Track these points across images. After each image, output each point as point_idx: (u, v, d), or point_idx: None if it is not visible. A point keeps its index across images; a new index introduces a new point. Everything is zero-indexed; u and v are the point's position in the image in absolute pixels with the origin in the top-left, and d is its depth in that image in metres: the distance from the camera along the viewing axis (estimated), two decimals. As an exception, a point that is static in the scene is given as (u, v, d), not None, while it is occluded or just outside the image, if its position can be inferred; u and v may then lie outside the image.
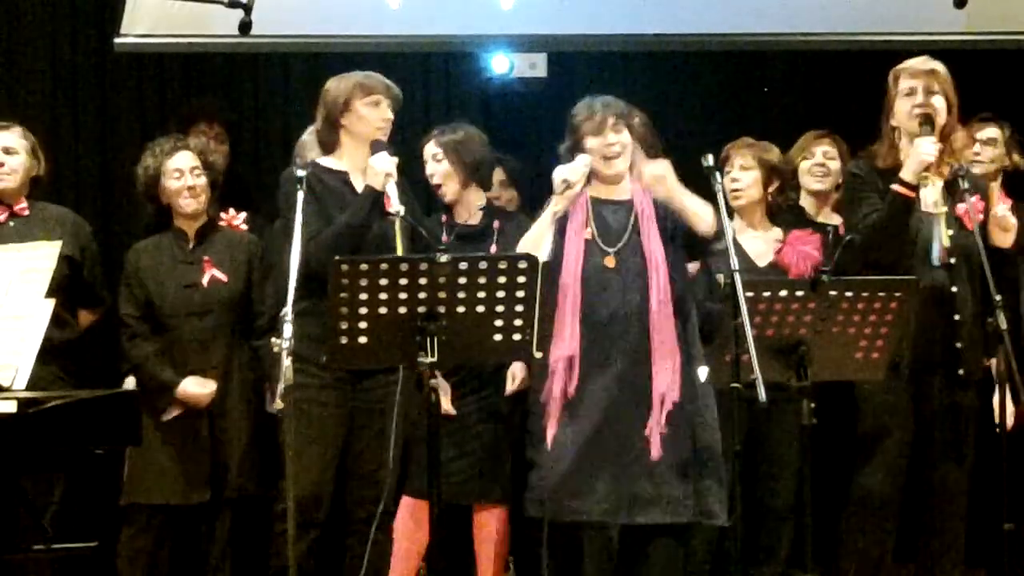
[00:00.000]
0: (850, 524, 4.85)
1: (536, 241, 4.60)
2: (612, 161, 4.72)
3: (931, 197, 4.66)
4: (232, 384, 5.11)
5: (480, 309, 4.09)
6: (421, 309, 4.05)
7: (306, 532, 4.60)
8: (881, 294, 4.29)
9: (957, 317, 4.73)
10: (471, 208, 5.22)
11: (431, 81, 6.79)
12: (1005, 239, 4.75)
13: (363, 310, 4.04)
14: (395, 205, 4.52)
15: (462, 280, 4.06)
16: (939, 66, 4.77)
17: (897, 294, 4.31)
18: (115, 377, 5.24)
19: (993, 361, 4.70)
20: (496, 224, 5.18)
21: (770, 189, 5.26)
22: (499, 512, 5.14)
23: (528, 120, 6.65)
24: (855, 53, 6.20)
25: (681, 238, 4.69)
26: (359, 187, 4.73)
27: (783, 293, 4.27)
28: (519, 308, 4.11)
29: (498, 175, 5.73)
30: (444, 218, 5.21)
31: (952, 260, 4.69)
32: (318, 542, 4.67)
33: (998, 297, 4.61)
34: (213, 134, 5.89)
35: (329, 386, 4.65)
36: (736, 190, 5.23)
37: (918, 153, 4.59)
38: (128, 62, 6.49)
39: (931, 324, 4.72)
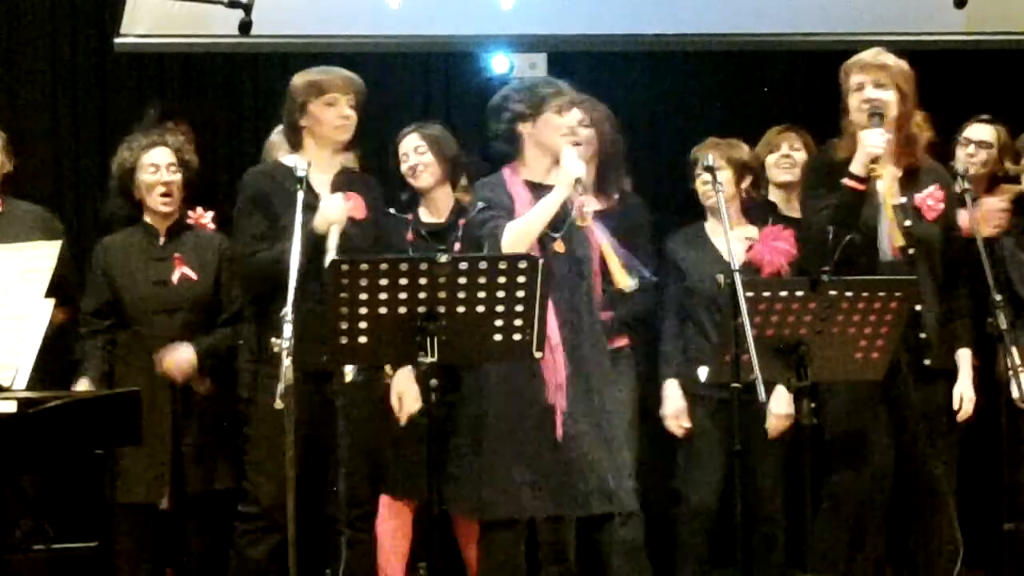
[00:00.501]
0: (818, 525, 4.80)
1: (531, 231, 4.50)
2: (567, 144, 4.61)
3: (886, 188, 4.64)
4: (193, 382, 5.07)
5: (480, 309, 4.09)
6: (421, 309, 4.04)
7: (268, 535, 4.57)
8: (881, 294, 4.29)
9: (919, 308, 4.68)
10: (440, 206, 5.21)
11: (431, 81, 6.79)
12: (988, 230, 4.75)
13: (363, 310, 4.04)
14: (331, 255, 4.41)
15: (462, 280, 4.06)
16: (889, 59, 4.72)
17: (897, 294, 4.31)
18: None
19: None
20: (462, 222, 5.17)
21: (743, 186, 5.24)
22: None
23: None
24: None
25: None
26: (319, 187, 4.66)
27: (783, 293, 4.27)
28: (519, 308, 4.11)
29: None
30: (410, 217, 5.20)
31: (911, 251, 4.65)
32: (282, 545, 4.59)
33: (998, 297, 4.61)
34: (179, 132, 5.83)
35: (290, 387, 4.56)
36: (704, 192, 5.21)
37: (864, 146, 4.57)
38: (128, 62, 6.49)
39: None
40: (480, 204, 4.62)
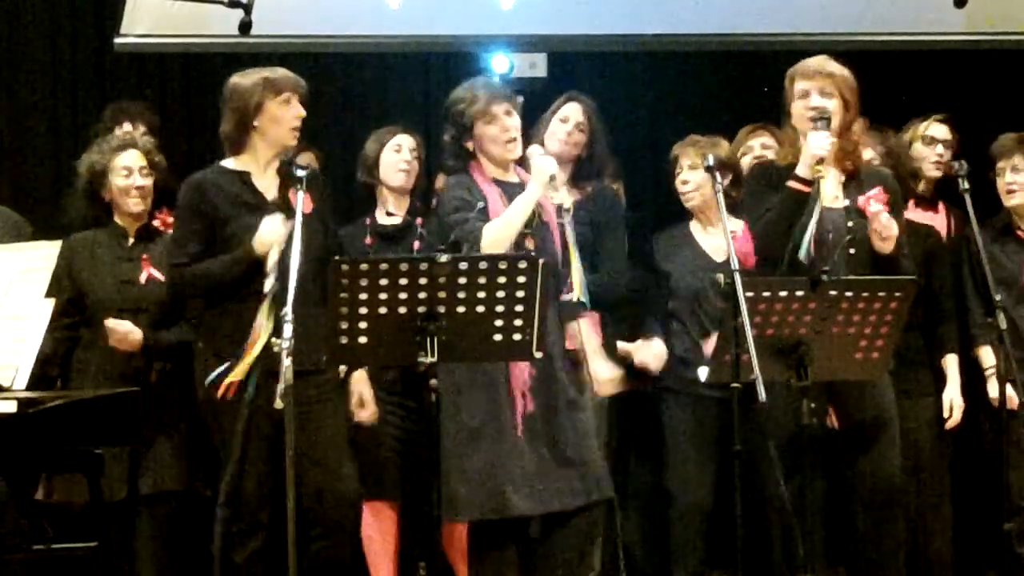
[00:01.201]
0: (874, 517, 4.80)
1: (509, 231, 4.57)
2: (509, 145, 4.74)
3: (829, 192, 4.64)
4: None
5: (480, 309, 4.10)
6: (421, 309, 4.05)
7: (251, 538, 4.55)
8: (881, 294, 4.30)
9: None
10: (399, 206, 5.21)
11: (431, 81, 6.79)
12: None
13: (363, 310, 4.04)
14: (270, 283, 4.41)
15: (462, 280, 4.06)
16: (835, 67, 4.71)
17: (897, 294, 4.31)
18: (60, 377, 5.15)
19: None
20: (419, 221, 5.16)
21: (724, 182, 5.23)
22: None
23: (528, 120, 6.64)
24: (855, 53, 6.19)
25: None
26: (262, 188, 4.64)
27: (783, 293, 4.27)
28: (519, 308, 4.11)
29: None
30: (367, 220, 5.20)
31: (852, 251, 4.64)
32: (267, 546, 4.58)
33: (998, 297, 4.61)
34: (137, 134, 5.80)
35: (261, 386, 4.52)
36: (685, 192, 5.21)
37: (810, 148, 4.57)
38: (128, 62, 6.48)
39: None
40: (455, 203, 4.68)
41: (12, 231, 5.16)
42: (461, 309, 4.08)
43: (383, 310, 4.04)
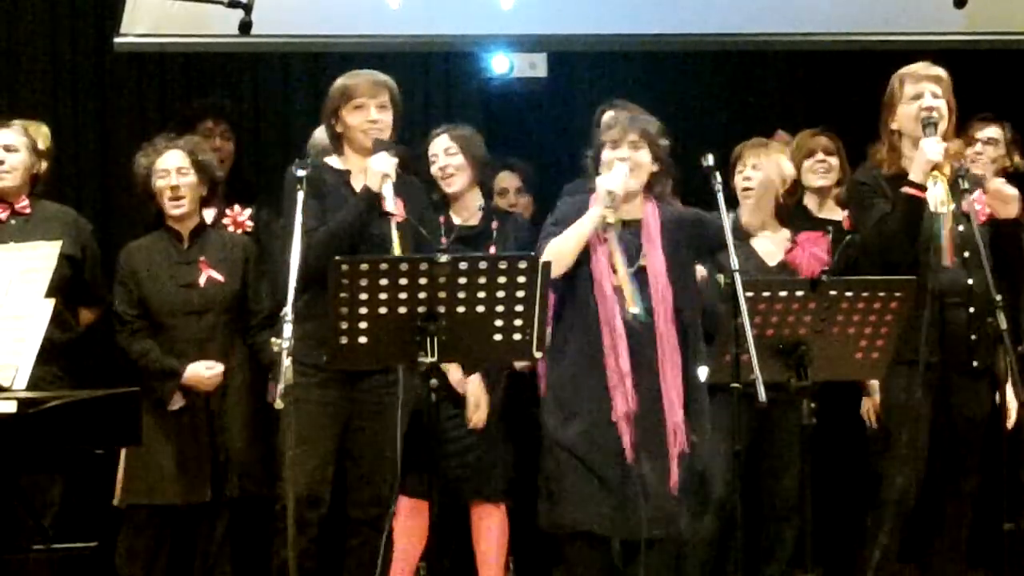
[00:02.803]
0: (878, 523, 4.82)
1: (570, 250, 4.57)
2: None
3: (938, 196, 4.68)
4: (230, 384, 5.10)
5: (480, 309, 4.09)
6: (421, 309, 4.04)
7: (303, 532, 4.57)
8: (881, 294, 4.30)
9: (972, 310, 4.74)
10: (471, 208, 5.22)
11: (431, 81, 6.79)
12: (1008, 210, 4.76)
13: (363, 310, 4.03)
14: (389, 206, 4.50)
15: (462, 280, 4.06)
16: (942, 72, 4.85)
17: (897, 294, 4.32)
18: (114, 377, 5.21)
19: None
20: (495, 224, 5.18)
21: (782, 189, 5.25)
22: (496, 511, 5.14)
23: (528, 120, 6.65)
24: (855, 53, 6.21)
25: (690, 241, 4.71)
26: (359, 188, 4.72)
27: (783, 293, 4.27)
28: (519, 308, 4.11)
29: (514, 182, 5.75)
30: (442, 219, 5.20)
31: (966, 254, 4.71)
32: (317, 542, 4.65)
33: (998, 297, 4.61)
34: (219, 131, 5.89)
35: (325, 385, 4.63)
36: (747, 189, 5.21)
37: (924, 153, 4.65)
38: (128, 62, 6.49)
39: (952, 320, 4.72)
40: (555, 217, 4.72)
41: (72, 230, 5.18)
42: (461, 309, 4.08)
43: (383, 310, 4.04)
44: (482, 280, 4.07)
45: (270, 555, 4.78)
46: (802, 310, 4.28)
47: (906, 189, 4.67)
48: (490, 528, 5.14)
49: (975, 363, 4.78)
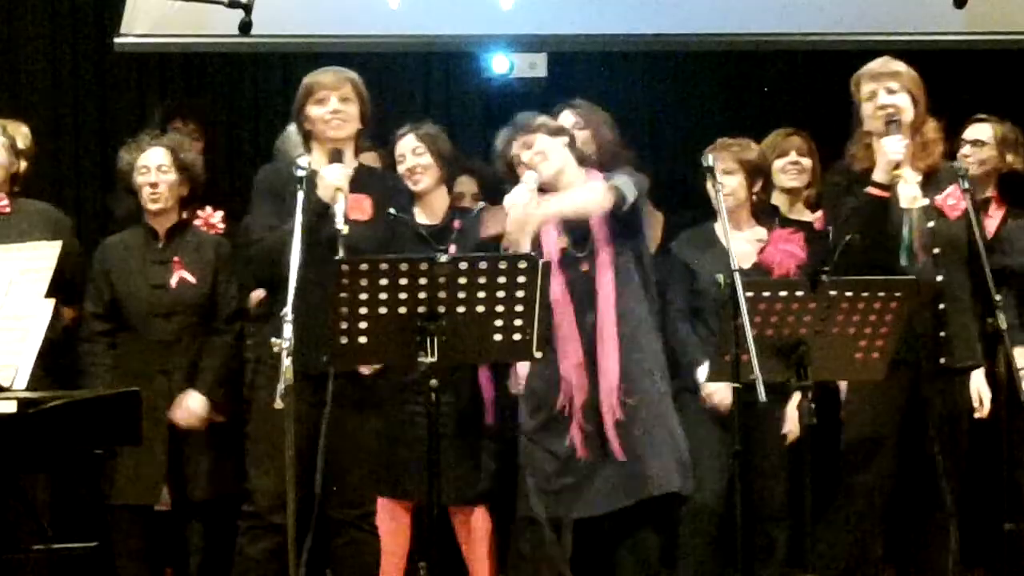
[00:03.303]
0: (838, 523, 4.82)
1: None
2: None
3: (909, 193, 4.66)
4: (196, 386, 5.07)
5: (480, 309, 4.09)
6: (421, 309, 4.04)
7: (265, 535, 4.55)
8: (881, 294, 4.29)
9: (942, 306, 4.70)
10: (436, 208, 5.20)
11: (431, 81, 6.80)
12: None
13: (363, 310, 4.03)
14: (339, 222, 4.36)
15: (462, 280, 4.06)
16: (899, 66, 4.75)
17: (897, 294, 4.31)
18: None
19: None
20: (456, 223, 5.16)
21: (755, 189, 5.24)
22: (479, 512, 5.12)
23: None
24: (855, 53, 6.20)
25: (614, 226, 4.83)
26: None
27: (783, 293, 4.27)
28: (519, 308, 4.11)
29: (471, 187, 5.65)
30: (409, 219, 5.20)
31: (936, 251, 4.68)
32: (281, 546, 4.57)
33: (998, 297, 4.61)
34: (187, 131, 5.82)
35: (290, 386, 4.58)
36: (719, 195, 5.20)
37: (885, 153, 4.60)
38: (128, 62, 6.49)
39: (920, 317, 4.70)
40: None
41: (52, 227, 5.15)
42: (461, 309, 4.07)
43: (383, 310, 4.04)
44: (482, 280, 4.07)
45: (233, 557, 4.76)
46: (802, 310, 4.27)
47: (869, 189, 4.63)
48: (473, 529, 5.13)
49: (942, 360, 4.73)
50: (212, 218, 5.31)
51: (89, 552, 4.33)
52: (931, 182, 4.73)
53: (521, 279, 4.08)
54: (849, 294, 4.28)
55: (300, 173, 4.45)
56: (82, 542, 4.44)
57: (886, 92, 4.70)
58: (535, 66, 6.60)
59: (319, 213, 4.44)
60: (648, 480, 4.74)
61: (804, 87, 6.88)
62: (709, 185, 5.12)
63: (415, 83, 6.71)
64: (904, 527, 4.96)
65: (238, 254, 5.13)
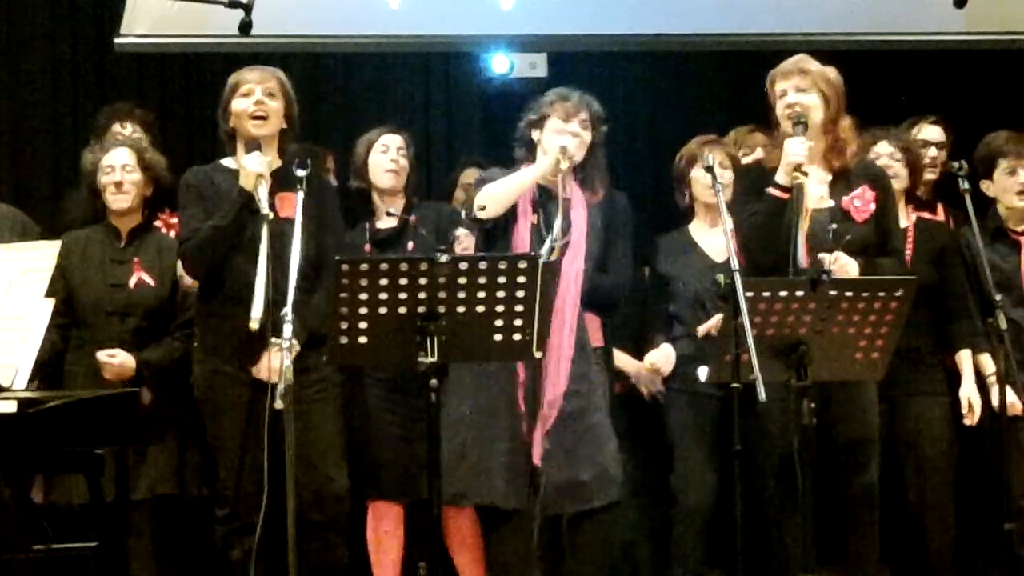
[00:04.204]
0: (861, 522, 4.82)
1: (507, 194, 4.65)
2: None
3: (815, 192, 4.63)
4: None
5: (480, 309, 4.09)
6: (421, 309, 4.05)
7: (244, 537, 4.53)
8: (881, 294, 4.29)
9: None
10: (397, 209, 5.19)
11: (431, 81, 6.80)
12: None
13: (363, 310, 4.04)
14: (263, 207, 4.40)
15: (462, 280, 4.06)
16: (812, 64, 4.70)
17: (897, 294, 4.31)
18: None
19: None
20: (412, 219, 5.14)
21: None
22: (468, 512, 5.11)
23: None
24: (855, 53, 6.21)
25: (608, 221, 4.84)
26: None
27: (783, 293, 4.27)
28: (519, 308, 4.11)
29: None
30: (367, 225, 5.19)
31: (838, 253, 4.64)
32: (261, 544, 4.57)
33: (998, 297, 4.61)
34: (141, 130, 5.74)
35: (248, 385, 4.59)
36: (715, 187, 5.20)
37: (787, 154, 4.54)
38: (128, 62, 6.49)
39: None
40: (485, 174, 4.83)
41: (18, 230, 5.14)
42: (461, 309, 4.08)
43: (383, 310, 4.04)
44: (482, 280, 4.07)
45: (213, 559, 4.74)
46: (802, 310, 4.27)
47: (769, 189, 4.58)
48: (460, 528, 5.12)
49: None
50: (172, 219, 5.27)
51: (89, 552, 4.32)
52: (841, 183, 4.69)
53: (521, 279, 4.09)
54: (849, 294, 4.28)
55: (300, 173, 4.44)
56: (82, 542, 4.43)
57: (794, 91, 4.66)
58: (535, 66, 6.60)
59: (244, 204, 4.52)
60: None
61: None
62: (701, 183, 5.14)
63: (415, 83, 6.70)
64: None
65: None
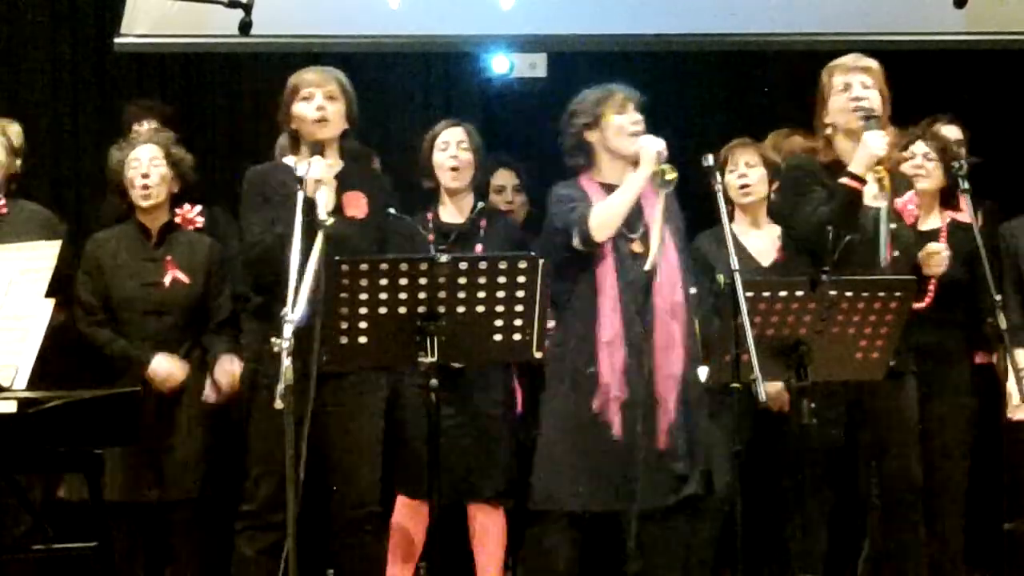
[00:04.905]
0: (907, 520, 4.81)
1: (621, 213, 4.65)
2: (636, 139, 4.74)
3: (871, 191, 4.64)
4: (185, 384, 5.06)
5: (480, 309, 4.09)
6: (421, 309, 4.05)
7: (263, 534, 4.54)
8: (881, 294, 4.29)
9: None
10: (462, 207, 5.20)
11: (431, 81, 6.80)
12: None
13: (363, 310, 4.04)
14: (321, 214, 4.34)
15: (462, 280, 4.06)
16: (873, 62, 4.74)
17: (897, 294, 4.31)
18: (81, 376, 5.16)
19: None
20: (483, 223, 5.16)
21: (772, 188, 5.27)
22: (495, 512, 5.12)
23: (528, 120, 6.65)
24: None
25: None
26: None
27: (783, 293, 4.27)
28: (519, 308, 4.11)
29: (511, 179, 5.74)
30: (429, 215, 5.19)
31: (896, 253, 4.66)
32: (280, 543, 4.58)
33: (998, 297, 4.61)
34: (162, 128, 5.77)
35: (290, 386, 4.59)
36: (745, 186, 5.21)
37: (868, 147, 4.54)
38: (128, 62, 6.49)
39: None
40: (556, 199, 4.77)
41: (46, 229, 5.14)
42: (461, 309, 4.08)
43: (383, 310, 4.04)
44: (482, 280, 4.07)
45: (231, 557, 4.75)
46: (802, 310, 4.27)
47: (845, 180, 4.58)
48: (488, 530, 5.12)
49: (892, 363, 4.69)
50: (190, 214, 5.27)
51: (89, 552, 4.32)
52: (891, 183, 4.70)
53: (521, 279, 4.09)
54: (849, 294, 4.28)
55: (300, 173, 4.44)
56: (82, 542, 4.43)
57: (861, 85, 4.67)
58: (535, 66, 6.60)
59: (305, 210, 4.43)
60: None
61: (804, 87, 6.85)
62: (717, 185, 5.14)
63: (415, 83, 6.70)
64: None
65: (234, 260, 5.13)
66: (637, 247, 4.71)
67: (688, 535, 4.79)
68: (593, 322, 4.66)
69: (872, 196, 4.59)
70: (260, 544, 4.54)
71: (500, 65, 6.64)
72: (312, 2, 6.09)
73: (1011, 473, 4.81)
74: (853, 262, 4.55)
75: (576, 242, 4.65)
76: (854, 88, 4.66)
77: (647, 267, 4.65)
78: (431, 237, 5.06)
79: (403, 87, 6.74)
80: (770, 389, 4.91)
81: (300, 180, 4.43)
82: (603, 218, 4.63)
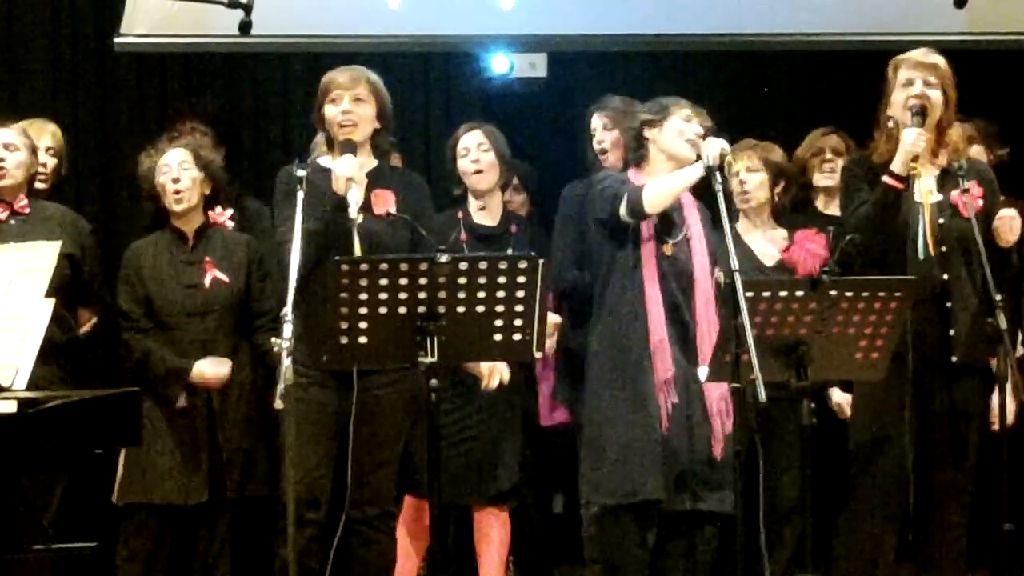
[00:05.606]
0: (848, 525, 4.82)
1: (673, 194, 4.74)
2: (693, 144, 4.79)
3: (924, 187, 4.65)
4: (233, 384, 5.10)
5: (480, 309, 4.10)
6: (421, 309, 4.05)
7: (302, 532, 4.55)
8: (881, 294, 4.30)
9: (949, 305, 4.69)
10: (493, 208, 5.21)
11: (431, 81, 6.79)
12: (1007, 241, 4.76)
13: (363, 310, 4.04)
14: (353, 211, 4.40)
15: (462, 280, 4.06)
16: (940, 60, 4.76)
17: (897, 294, 4.31)
18: (114, 377, 5.22)
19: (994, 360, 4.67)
20: (514, 228, 5.18)
21: (777, 189, 5.27)
22: (499, 513, 5.13)
23: (528, 120, 6.65)
24: (855, 53, 6.21)
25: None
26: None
27: (783, 293, 4.27)
28: (519, 308, 4.11)
29: (511, 179, 5.74)
30: (460, 214, 5.19)
31: (944, 248, 4.66)
32: (318, 541, 4.63)
33: (998, 297, 4.60)
34: (197, 134, 5.83)
35: (324, 385, 4.61)
36: (744, 192, 5.23)
37: (904, 144, 4.59)
38: (128, 62, 6.49)
39: (927, 316, 4.69)
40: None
41: (65, 228, 5.17)
42: (461, 309, 4.08)
43: (383, 310, 4.04)
44: (482, 280, 4.07)
45: (272, 555, 4.78)
46: (802, 310, 4.28)
47: (885, 179, 4.61)
48: (492, 530, 5.13)
49: (954, 359, 4.72)
50: (221, 217, 5.31)
51: (89, 552, 4.32)
52: (949, 178, 4.73)
53: (521, 279, 4.09)
54: (849, 294, 4.29)
55: (300, 173, 4.48)
56: (83, 542, 4.44)
57: (923, 83, 4.69)
58: (535, 66, 6.60)
59: (337, 207, 4.47)
60: None
61: (804, 87, 6.87)
62: (736, 184, 5.15)
63: (415, 83, 6.70)
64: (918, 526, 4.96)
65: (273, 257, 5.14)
66: (668, 249, 4.78)
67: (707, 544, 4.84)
68: (640, 324, 4.73)
69: (926, 193, 4.62)
70: (299, 544, 4.53)
71: (500, 65, 6.63)
72: (312, 2, 6.08)
73: (1012, 473, 4.80)
74: (888, 260, 4.57)
75: (624, 211, 4.70)
76: (915, 85, 4.68)
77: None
78: (463, 236, 5.08)
79: (403, 87, 6.73)
80: (838, 398, 4.99)
81: (300, 180, 4.45)
82: (658, 191, 4.70)
